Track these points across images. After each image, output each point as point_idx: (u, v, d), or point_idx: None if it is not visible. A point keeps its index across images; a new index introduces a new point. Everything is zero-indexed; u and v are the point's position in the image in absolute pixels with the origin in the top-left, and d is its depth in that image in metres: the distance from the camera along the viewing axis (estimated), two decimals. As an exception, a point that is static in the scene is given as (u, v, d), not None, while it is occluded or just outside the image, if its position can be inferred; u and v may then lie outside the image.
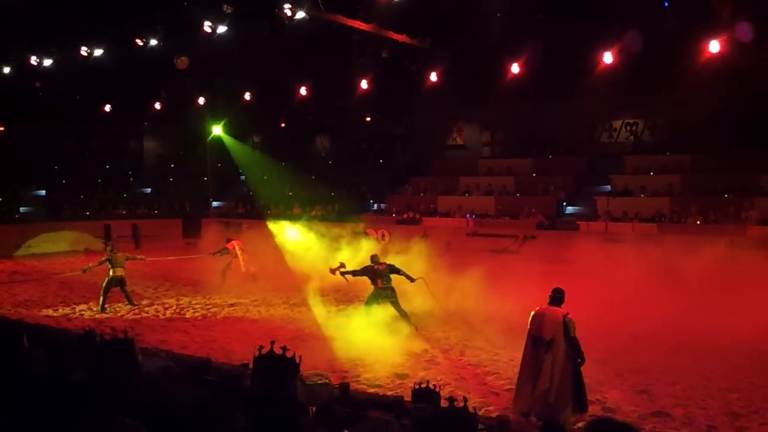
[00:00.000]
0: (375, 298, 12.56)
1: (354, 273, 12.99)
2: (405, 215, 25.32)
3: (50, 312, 14.65)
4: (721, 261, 13.79)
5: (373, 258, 13.08)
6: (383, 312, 12.67)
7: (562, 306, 7.89)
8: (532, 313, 8.00)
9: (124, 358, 3.24)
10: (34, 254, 24.47)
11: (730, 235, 17.14)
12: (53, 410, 3.43)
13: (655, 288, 13.05)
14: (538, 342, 7.81)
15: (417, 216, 25.07)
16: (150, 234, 26.62)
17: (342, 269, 13.18)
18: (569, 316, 7.73)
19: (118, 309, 14.89)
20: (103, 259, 15.22)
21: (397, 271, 12.77)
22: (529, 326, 8.01)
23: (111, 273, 14.83)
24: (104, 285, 14.84)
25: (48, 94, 27.09)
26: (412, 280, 12.89)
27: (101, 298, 14.77)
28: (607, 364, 10.14)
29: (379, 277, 12.55)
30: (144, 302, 15.62)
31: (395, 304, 12.53)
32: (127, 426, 3.13)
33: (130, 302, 15.15)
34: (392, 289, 12.57)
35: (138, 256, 16.78)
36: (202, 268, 18.47)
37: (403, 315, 12.47)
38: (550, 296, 7.98)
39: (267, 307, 15.04)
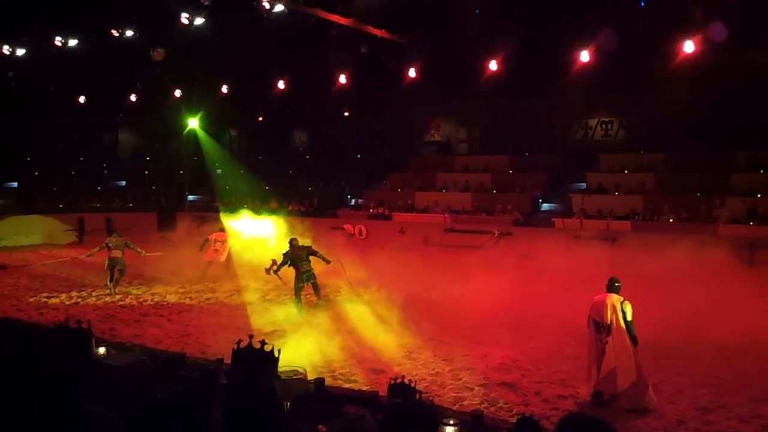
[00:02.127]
0: (300, 280, 13.50)
1: (280, 266, 13.60)
2: (375, 210, 25.35)
3: (21, 305, 14.45)
4: (691, 259, 13.99)
5: (293, 241, 13.79)
6: (358, 309, 12.81)
7: (620, 293, 8.43)
8: (594, 298, 8.60)
9: (79, 348, 3.22)
10: (6, 246, 24.08)
11: (702, 233, 17.41)
12: (24, 404, 3.40)
13: (626, 285, 13.20)
14: (599, 326, 8.38)
15: (387, 212, 25.08)
16: (124, 227, 26.17)
17: (274, 267, 13.68)
18: (625, 301, 8.29)
19: (91, 301, 14.75)
20: (103, 244, 16.02)
21: (315, 253, 13.70)
22: (589, 312, 8.57)
23: (109, 254, 15.69)
24: (107, 267, 15.73)
25: (21, 84, 26.59)
26: (327, 262, 13.89)
27: (108, 281, 15.70)
28: (580, 359, 10.24)
29: (299, 262, 13.49)
30: (117, 296, 15.49)
31: (314, 283, 13.69)
32: (97, 414, 3.11)
33: (113, 288, 15.63)
34: (311, 270, 13.60)
35: (138, 249, 16.71)
36: (178, 260, 18.39)
37: (318, 292, 13.80)
38: (607, 285, 8.52)
39: (242, 301, 14.96)
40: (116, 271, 15.78)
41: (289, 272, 13.80)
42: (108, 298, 15.17)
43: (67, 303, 14.69)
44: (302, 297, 13.65)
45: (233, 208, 23.75)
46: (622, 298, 8.32)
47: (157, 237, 26.27)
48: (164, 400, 3.83)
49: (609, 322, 8.24)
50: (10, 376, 4.01)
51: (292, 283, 13.83)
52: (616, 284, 8.47)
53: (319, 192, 28.64)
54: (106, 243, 15.92)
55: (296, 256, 13.48)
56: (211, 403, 3.50)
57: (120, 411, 3.25)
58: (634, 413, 8.13)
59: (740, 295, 11.86)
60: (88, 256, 16.95)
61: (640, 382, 8.16)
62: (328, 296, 14.88)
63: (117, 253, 15.72)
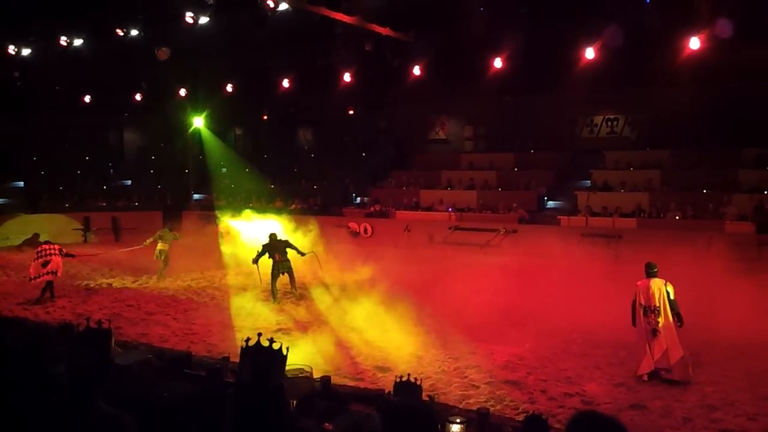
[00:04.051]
0: (276, 269, 14.61)
1: (259, 256, 14.72)
2: (371, 209, 25.35)
3: (28, 304, 14.49)
4: (698, 257, 13.94)
5: (272, 236, 14.87)
6: (363, 307, 12.82)
7: (658, 276, 9.16)
8: (637, 285, 9.31)
9: (100, 348, 3.22)
10: (12, 245, 24.15)
11: (709, 230, 17.36)
12: (32, 402, 3.40)
13: (633, 283, 13.19)
14: (649, 310, 9.11)
15: (385, 209, 25.06)
16: (130, 226, 26.37)
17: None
18: (668, 283, 9.08)
19: (97, 299, 14.80)
20: (157, 234, 17.55)
21: (291, 246, 14.87)
22: (636, 298, 9.27)
23: (158, 246, 17.26)
24: (156, 259, 17.29)
25: (27, 84, 26.65)
26: (302, 254, 15.00)
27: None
28: (586, 357, 10.26)
29: (276, 252, 14.63)
30: (164, 284, 16.66)
31: (290, 273, 14.78)
32: (108, 414, 3.12)
33: (158, 277, 17.13)
34: (288, 261, 14.72)
35: (178, 235, 18.31)
36: (186, 256, 18.51)
37: (293, 283, 14.84)
38: (646, 271, 9.26)
39: (248, 299, 14.99)
40: (162, 263, 17.17)
41: (267, 265, 14.77)
42: (140, 285, 16.78)
43: (73, 301, 14.72)
44: (278, 286, 14.73)
45: (238, 207, 23.84)
46: (664, 281, 9.04)
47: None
48: (172, 399, 3.83)
49: (658, 305, 8.98)
50: (17, 375, 4.02)
51: (269, 277, 14.76)
52: (654, 269, 9.16)
53: (324, 190, 28.65)
54: (159, 234, 17.43)
55: (274, 248, 14.56)
56: (219, 401, 3.50)
57: (127, 409, 3.25)
58: (637, 410, 8.12)
59: (747, 292, 11.80)
60: (143, 245, 18.01)
61: (686, 356, 8.89)
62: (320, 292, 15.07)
63: (164, 246, 17.24)
